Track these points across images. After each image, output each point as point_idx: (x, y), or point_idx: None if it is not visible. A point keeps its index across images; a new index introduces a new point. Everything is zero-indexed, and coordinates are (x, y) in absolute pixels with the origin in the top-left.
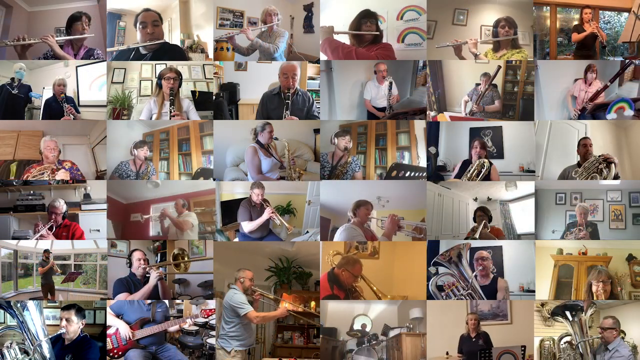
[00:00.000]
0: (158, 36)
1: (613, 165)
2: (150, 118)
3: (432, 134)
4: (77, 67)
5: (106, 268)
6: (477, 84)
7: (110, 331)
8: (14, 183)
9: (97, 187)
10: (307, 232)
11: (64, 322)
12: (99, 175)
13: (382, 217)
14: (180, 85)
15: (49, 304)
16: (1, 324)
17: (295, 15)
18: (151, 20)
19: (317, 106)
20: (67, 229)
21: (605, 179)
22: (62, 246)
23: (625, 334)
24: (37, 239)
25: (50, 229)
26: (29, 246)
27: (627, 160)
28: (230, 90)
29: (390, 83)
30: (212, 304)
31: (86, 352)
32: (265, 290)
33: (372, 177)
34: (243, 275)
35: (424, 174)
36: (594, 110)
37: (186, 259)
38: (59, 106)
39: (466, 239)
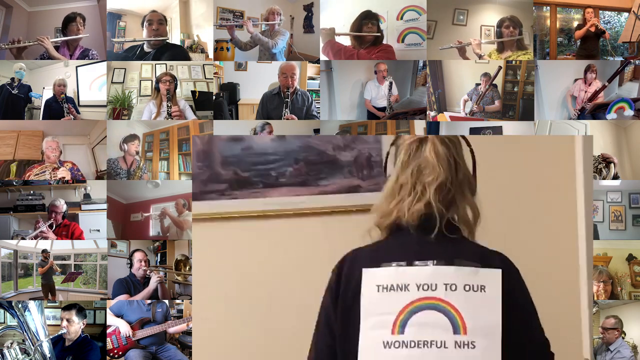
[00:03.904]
0: (162, 33)
1: (612, 165)
2: (150, 119)
3: (432, 134)
4: (77, 67)
5: (106, 268)
6: (477, 84)
7: (110, 331)
8: (14, 183)
9: (97, 187)
10: None
11: (64, 323)
12: (99, 176)
13: None
14: (176, 88)
15: (49, 304)
16: (1, 324)
17: (295, 15)
18: (157, 19)
19: (317, 106)
20: (67, 228)
21: (604, 178)
22: (62, 246)
23: (625, 334)
24: (37, 234)
25: (50, 226)
26: (28, 246)
27: (627, 161)
28: (230, 90)
29: (391, 83)
30: None
31: (87, 353)
32: None
33: None
34: None
35: None
36: (594, 110)
37: (188, 268)
38: (59, 106)
39: None
